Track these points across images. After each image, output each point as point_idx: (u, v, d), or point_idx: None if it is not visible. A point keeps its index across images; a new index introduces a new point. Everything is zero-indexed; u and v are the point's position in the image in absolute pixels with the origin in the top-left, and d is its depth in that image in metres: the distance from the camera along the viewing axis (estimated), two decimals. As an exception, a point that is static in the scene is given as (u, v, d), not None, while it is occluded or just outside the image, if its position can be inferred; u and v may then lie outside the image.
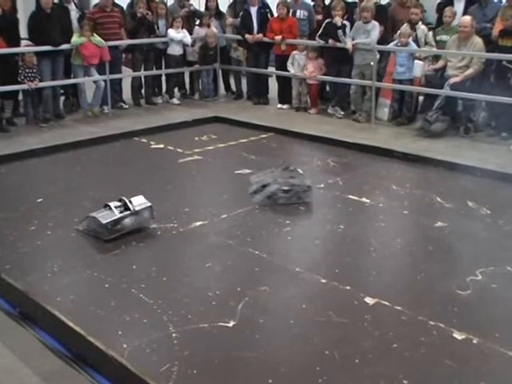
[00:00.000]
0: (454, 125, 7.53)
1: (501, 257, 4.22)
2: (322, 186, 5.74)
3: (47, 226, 4.77)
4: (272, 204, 5.20)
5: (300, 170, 5.53)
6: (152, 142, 7.33)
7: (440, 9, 8.39)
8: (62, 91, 8.74)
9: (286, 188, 5.26)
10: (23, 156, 6.58)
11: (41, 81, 7.86)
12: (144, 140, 7.45)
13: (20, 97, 8.30)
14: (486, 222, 4.90)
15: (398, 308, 3.55)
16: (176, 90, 9.77)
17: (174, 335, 3.29)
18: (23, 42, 8.18)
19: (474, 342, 3.23)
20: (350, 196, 5.45)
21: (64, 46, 8.04)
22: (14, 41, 7.83)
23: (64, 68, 8.32)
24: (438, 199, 5.36)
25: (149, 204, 4.69)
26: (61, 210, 5.08)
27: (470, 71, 7.32)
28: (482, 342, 3.22)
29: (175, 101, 9.52)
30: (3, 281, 3.75)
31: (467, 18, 7.43)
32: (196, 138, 7.52)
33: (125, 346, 3.16)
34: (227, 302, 3.61)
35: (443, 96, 7.37)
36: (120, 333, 3.29)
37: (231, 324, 3.39)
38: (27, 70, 7.74)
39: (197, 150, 6.95)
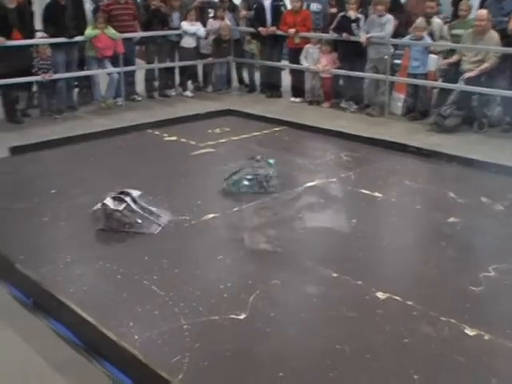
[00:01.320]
0: (468, 120, 7.46)
1: (514, 253, 4.20)
2: (334, 180, 5.73)
3: (60, 217, 4.80)
4: (236, 192, 5.23)
5: (272, 161, 5.50)
6: (165, 135, 7.35)
7: (455, 2, 8.32)
8: (75, 83, 8.79)
9: (249, 177, 5.29)
10: (37, 147, 6.63)
11: (55, 72, 7.89)
12: (157, 132, 7.47)
13: (34, 88, 8.34)
14: (500, 217, 4.86)
15: (410, 303, 3.54)
16: (189, 82, 9.78)
17: (185, 327, 3.30)
18: (38, 34, 8.22)
19: (486, 338, 3.21)
20: (363, 190, 5.43)
21: (78, 38, 8.08)
22: (29, 33, 7.87)
23: (78, 60, 8.37)
24: (451, 194, 5.32)
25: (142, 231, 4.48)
26: (74, 202, 5.10)
27: (485, 66, 7.25)
28: (494, 339, 3.20)
29: (188, 93, 9.53)
30: (17, 271, 3.79)
31: (483, 11, 7.35)
32: (209, 131, 7.52)
33: (136, 337, 3.19)
34: (238, 295, 3.62)
35: (458, 91, 7.31)
36: (131, 324, 3.32)
37: (242, 317, 3.40)
38: (41, 62, 7.78)
39: (210, 143, 6.95)
